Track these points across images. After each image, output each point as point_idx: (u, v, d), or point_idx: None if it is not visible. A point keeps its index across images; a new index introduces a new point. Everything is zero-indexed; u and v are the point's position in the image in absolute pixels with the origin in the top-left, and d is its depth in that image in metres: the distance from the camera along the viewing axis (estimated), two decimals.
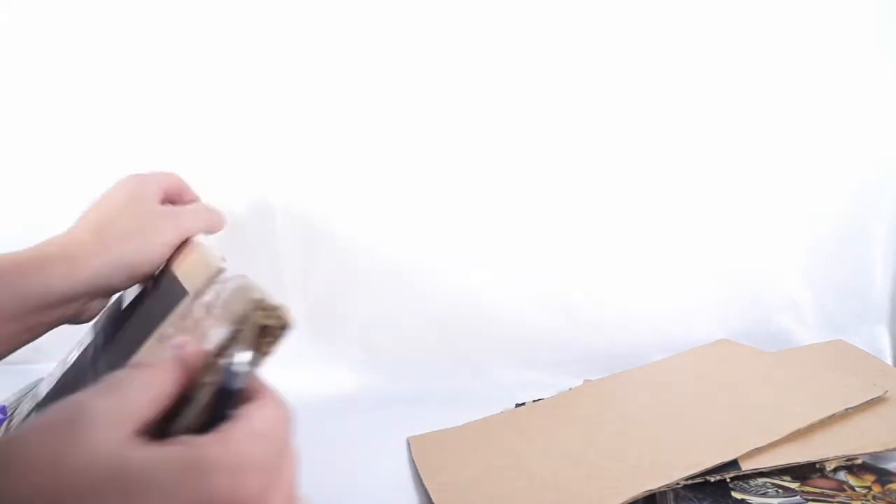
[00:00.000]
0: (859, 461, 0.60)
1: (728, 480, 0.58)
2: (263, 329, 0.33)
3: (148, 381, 0.30)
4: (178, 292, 0.41)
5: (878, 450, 0.60)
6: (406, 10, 0.78)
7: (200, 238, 0.48)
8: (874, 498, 0.57)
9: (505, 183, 0.83)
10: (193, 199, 0.57)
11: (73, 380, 0.48)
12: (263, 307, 0.33)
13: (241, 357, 0.32)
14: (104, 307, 0.50)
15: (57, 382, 0.50)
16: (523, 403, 0.75)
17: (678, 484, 0.57)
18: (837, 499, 0.57)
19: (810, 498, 0.57)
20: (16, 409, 0.54)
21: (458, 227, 0.83)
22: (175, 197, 0.56)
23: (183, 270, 0.44)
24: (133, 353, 0.42)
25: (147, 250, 0.44)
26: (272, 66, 0.78)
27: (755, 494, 0.57)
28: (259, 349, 0.33)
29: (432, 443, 0.69)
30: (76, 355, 0.51)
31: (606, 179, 0.84)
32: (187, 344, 0.33)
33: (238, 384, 0.32)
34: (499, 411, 0.74)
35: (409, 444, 0.69)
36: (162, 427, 0.31)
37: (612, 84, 0.81)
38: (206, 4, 0.76)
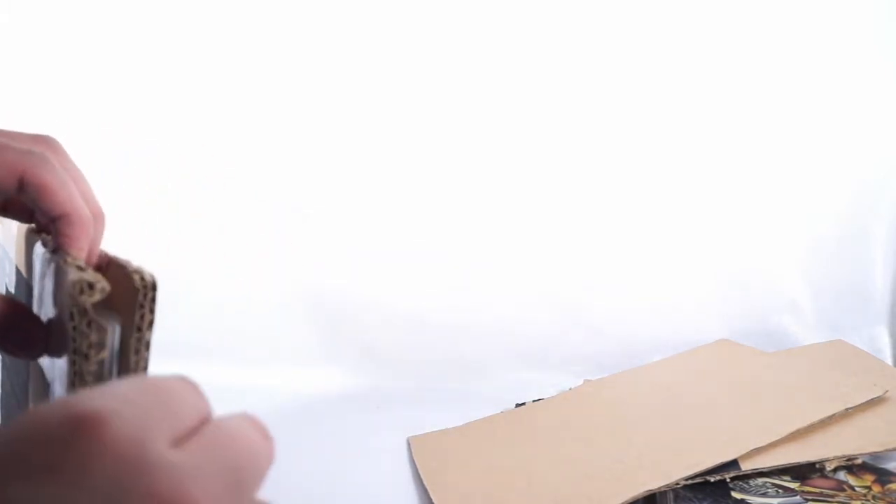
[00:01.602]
0: (859, 461, 0.60)
1: (728, 480, 0.58)
2: (107, 302, 0.27)
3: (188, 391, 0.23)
4: (22, 281, 0.36)
5: (877, 450, 0.60)
6: (400, 16, 0.78)
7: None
8: (874, 498, 0.57)
9: (506, 184, 0.83)
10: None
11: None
12: (84, 286, 0.26)
13: None
14: None
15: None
16: (523, 403, 0.75)
17: (678, 484, 0.57)
18: (837, 499, 0.57)
19: (810, 498, 0.57)
20: None
21: (458, 227, 0.83)
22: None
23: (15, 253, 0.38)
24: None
25: None
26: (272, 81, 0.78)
27: (755, 494, 0.57)
28: (133, 328, 0.28)
29: (432, 443, 0.69)
30: None
31: (606, 180, 0.84)
32: None
33: None
34: (499, 411, 0.74)
35: (409, 444, 0.69)
36: None
37: (612, 85, 0.81)
38: (207, 5, 0.76)
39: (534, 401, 0.76)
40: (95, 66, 0.76)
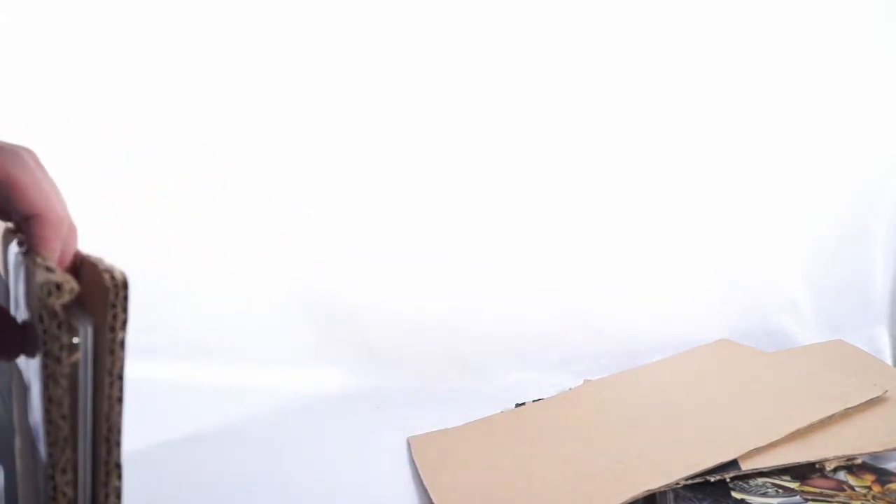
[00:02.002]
0: (859, 461, 0.60)
1: (728, 480, 0.58)
2: (80, 303, 0.27)
3: None
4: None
5: (877, 450, 0.60)
6: (401, 17, 0.78)
7: None
8: (874, 498, 0.57)
9: (505, 184, 0.83)
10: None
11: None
12: (52, 288, 0.26)
13: None
14: None
15: None
16: (523, 403, 0.76)
17: (678, 484, 0.57)
18: (837, 499, 0.56)
19: (810, 498, 0.56)
20: None
21: (458, 227, 0.83)
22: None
23: None
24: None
25: None
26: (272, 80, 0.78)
27: (755, 494, 0.57)
28: (106, 328, 0.27)
29: (432, 443, 0.69)
30: None
31: (607, 180, 0.84)
32: None
33: None
34: (499, 411, 0.74)
35: (409, 444, 0.69)
36: None
37: (612, 86, 0.81)
38: (206, 6, 0.76)
39: (534, 401, 0.76)
40: (96, 66, 0.76)
